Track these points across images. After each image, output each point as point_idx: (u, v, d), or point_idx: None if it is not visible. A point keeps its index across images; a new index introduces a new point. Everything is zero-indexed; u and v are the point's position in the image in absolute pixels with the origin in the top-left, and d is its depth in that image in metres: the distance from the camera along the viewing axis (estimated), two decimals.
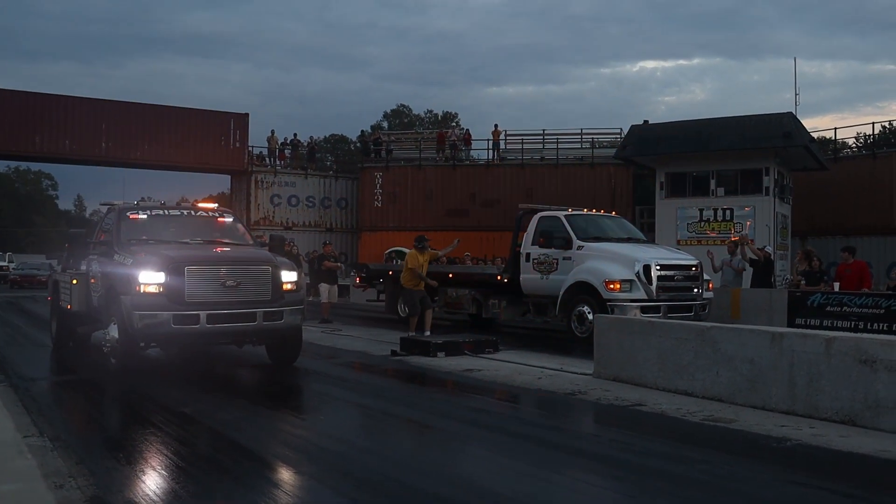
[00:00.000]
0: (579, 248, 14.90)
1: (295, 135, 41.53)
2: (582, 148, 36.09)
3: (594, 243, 15.01)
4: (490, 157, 37.46)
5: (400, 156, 39.10)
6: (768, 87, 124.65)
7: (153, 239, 11.00)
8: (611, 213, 18.56)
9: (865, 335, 8.77)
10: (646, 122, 29.29)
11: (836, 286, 15.01)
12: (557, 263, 15.17)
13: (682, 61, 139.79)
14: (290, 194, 38.14)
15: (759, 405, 7.95)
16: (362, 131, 44.93)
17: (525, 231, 16.19)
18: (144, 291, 9.67)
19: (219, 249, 11.14)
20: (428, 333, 13.92)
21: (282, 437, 7.17)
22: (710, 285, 15.56)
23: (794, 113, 25.55)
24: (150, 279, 9.70)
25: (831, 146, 32.93)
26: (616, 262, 14.32)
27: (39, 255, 52.02)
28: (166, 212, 11.95)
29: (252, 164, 37.95)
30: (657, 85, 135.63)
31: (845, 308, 14.02)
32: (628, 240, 15.88)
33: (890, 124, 37.07)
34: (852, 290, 14.45)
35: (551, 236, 15.36)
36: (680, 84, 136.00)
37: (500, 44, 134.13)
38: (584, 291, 14.34)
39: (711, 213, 25.36)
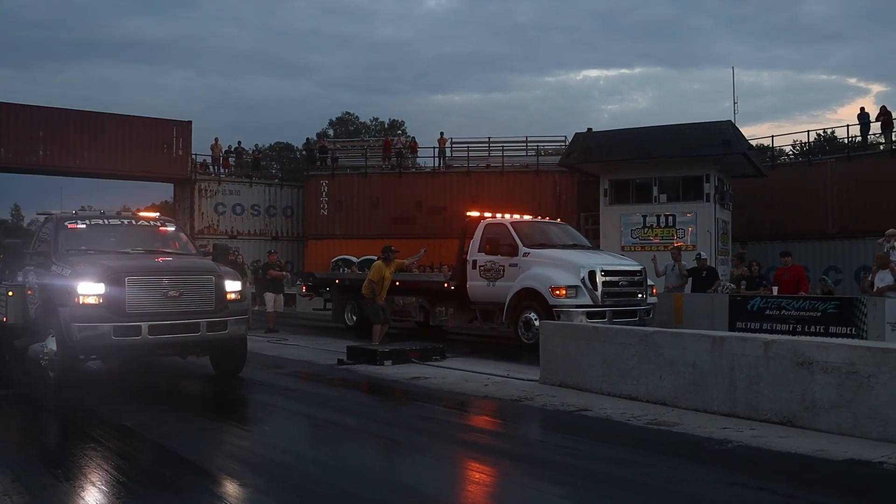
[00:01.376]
0: (525, 254, 14.95)
1: (239, 142, 41.16)
2: (527, 155, 36.40)
3: (540, 250, 15.08)
4: (436, 164, 37.55)
5: (346, 164, 38.94)
6: (708, 95, 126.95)
7: (93, 249, 10.74)
8: (556, 219, 18.73)
9: (803, 338, 9.02)
10: (589, 129, 29.70)
11: (775, 290, 15.36)
12: (504, 270, 15.21)
13: (624, 70, 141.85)
14: (234, 203, 37.71)
15: (701, 408, 8.08)
16: (308, 139, 44.83)
17: (472, 238, 16.22)
18: (83, 303, 9.46)
19: (161, 259, 10.93)
20: (376, 343, 13.84)
21: (226, 448, 7.07)
22: (654, 290, 15.77)
23: (732, 121, 26.18)
24: (90, 290, 9.48)
25: (769, 153, 33.74)
26: (561, 268, 14.41)
27: None
28: (106, 221, 11.66)
29: (196, 173, 37.42)
30: (600, 93, 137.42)
31: (784, 311, 14.35)
32: (574, 246, 15.98)
33: (824, 132, 38.14)
34: (790, 294, 14.80)
35: (497, 243, 15.40)
36: (622, 92, 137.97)
37: (446, 52, 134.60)
38: (531, 298, 14.42)
39: (654, 219, 25.79)
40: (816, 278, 21.61)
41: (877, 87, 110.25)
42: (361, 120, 73.50)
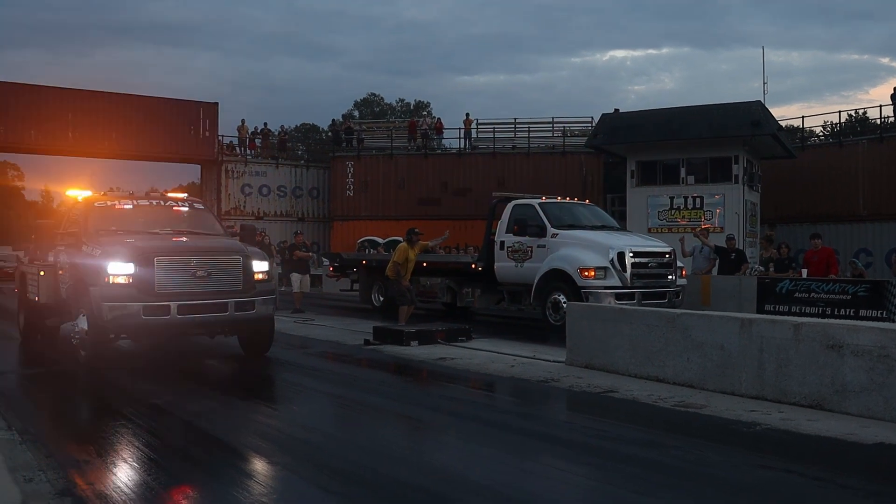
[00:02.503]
0: (553, 235, 14.85)
1: (265, 124, 41.25)
2: (553, 136, 36.23)
3: (568, 231, 14.98)
4: (462, 145, 37.47)
5: (371, 145, 38.99)
6: (736, 76, 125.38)
7: (122, 230, 10.80)
8: (584, 200, 18.55)
9: (833, 321, 8.93)
10: (616, 110, 29.44)
11: (804, 273, 15.20)
12: (532, 251, 15.12)
13: (651, 50, 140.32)
14: (261, 184, 37.90)
15: (729, 390, 8.04)
16: (333, 120, 44.76)
17: (499, 219, 16.17)
18: (114, 283, 9.51)
19: (189, 240, 10.98)
20: (402, 324, 13.89)
21: (254, 427, 7.14)
22: (684, 272, 15.64)
23: (762, 101, 25.80)
24: (120, 270, 9.55)
25: (799, 134, 33.30)
26: (590, 249, 14.30)
27: (5, 247, 51.23)
28: (135, 202, 11.71)
29: (222, 154, 37.63)
30: (627, 74, 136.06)
31: (813, 294, 14.21)
32: (602, 227, 15.85)
33: (856, 113, 37.55)
34: (820, 277, 14.64)
35: (525, 224, 15.29)
36: (649, 73, 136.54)
37: (471, 33, 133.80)
38: (559, 279, 14.32)
39: (682, 200, 25.54)
40: (846, 261, 21.37)
41: None
42: (387, 101, 73.57)
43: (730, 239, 17.41)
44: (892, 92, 29.65)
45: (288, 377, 10.36)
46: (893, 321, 12.74)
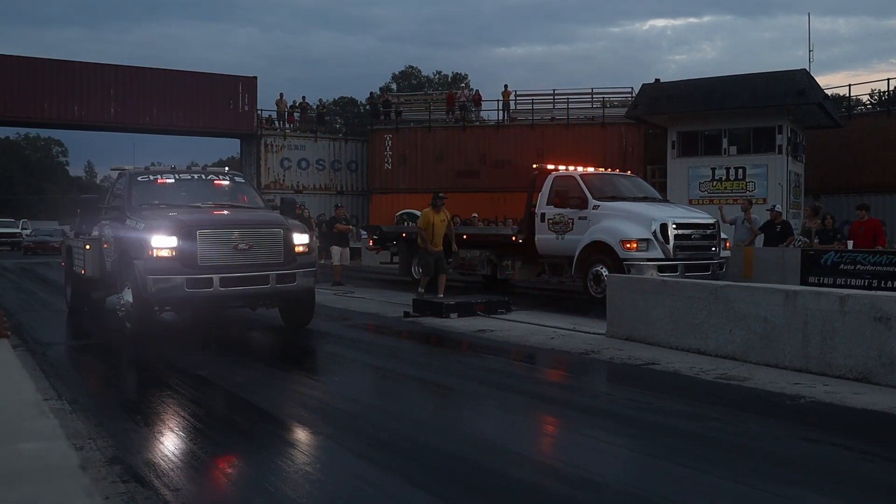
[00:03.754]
0: (595, 207, 14.73)
1: (304, 98, 41.43)
2: (593, 108, 35.81)
3: (610, 202, 14.85)
4: (500, 117, 37.24)
5: (409, 118, 38.91)
6: (780, 44, 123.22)
7: (164, 203, 10.90)
8: (625, 172, 18.37)
9: (880, 293, 8.74)
10: (657, 80, 29.00)
11: (850, 244, 14.93)
12: (573, 223, 15.02)
13: (692, 19, 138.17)
14: (300, 157, 38.11)
15: (772, 363, 7.95)
16: (371, 93, 44.73)
17: (539, 191, 16.08)
18: (157, 256, 9.64)
19: (231, 213, 11.06)
20: (441, 296, 13.96)
21: (297, 398, 7.22)
22: (727, 244, 15.45)
23: (807, 70, 25.25)
24: (163, 243, 9.66)
25: (845, 103, 32.57)
26: (632, 220, 14.18)
27: (52, 222, 52.15)
28: (177, 176, 11.80)
29: (261, 128, 37.87)
30: (667, 43, 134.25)
31: (859, 266, 13.96)
32: (644, 199, 15.71)
33: None
34: (866, 248, 14.37)
35: (567, 196, 15.16)
36: (690, 42, 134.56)
37: (509, 3, 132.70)
38: (601, 251, 14.22)
39: (724, 171, 25.19)
40: (893, 232, 20.94)
41: None
42: (425, 74, 73.40)
43: (775, 211, 17.11)
44: None
45: (329, 348, 10.45)
46: None
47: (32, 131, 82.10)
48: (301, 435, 5.91)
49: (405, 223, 29.46)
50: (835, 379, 7.29)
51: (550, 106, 36.84)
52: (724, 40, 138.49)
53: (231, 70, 54.07)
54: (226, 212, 11.09)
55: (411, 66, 74.02)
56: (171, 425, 6.13)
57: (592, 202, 14.81)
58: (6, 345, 9.63)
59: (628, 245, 13.75)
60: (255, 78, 37.64)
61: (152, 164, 13.51)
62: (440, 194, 14.74)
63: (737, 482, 4.65)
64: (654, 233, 13.76)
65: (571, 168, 16.31)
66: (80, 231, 12.98)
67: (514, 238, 16.67)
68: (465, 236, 17.65)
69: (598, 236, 14.33)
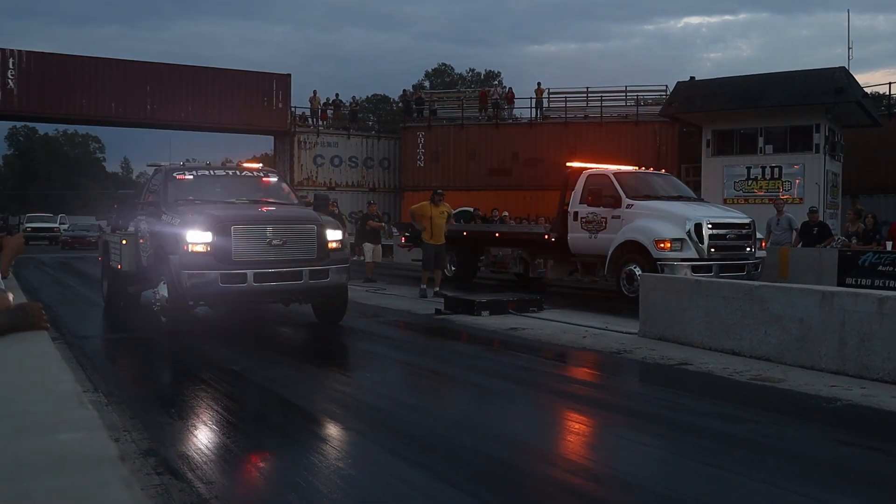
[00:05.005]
0: (629, 206, 14.60)
1: (337, 95, 41.57)
2: (626, 105, 35.55)
3: (644, 201, 14.72)
4: (533, 115, 37.12)
5: (442, 115, 38.91)
6: (818, 42, 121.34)
7: (200, 199, 10.97)
8: (659, 170, 18.26)
9: None
10: (692, 78, 28.73)
11: (889, 245, 14.70)
12: (606, 222, 14.90)
13: (727, 17, 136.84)
14: (332, 154, 38.26)
15: (807, 365, 7.85)
16: (404, 91, 44.77)
17: (573, 189, 15.95)
18: (192, 251, 9.70)
19: (264, 209, 11.21)
20: (437, 289, 14.48)
21: (329, 394, 7.27)
22: (763, 244, 15.26)
23: (846, 68, 24.88)
24: (198, 238, 9.74)
25: (885, 102, 32.03)
26: (666, 220, 14.08)
27: (89, 217, 52.92)
28: (212, 172, 11.95)
29: (294, 125, 38.09)
30: (702, 41, 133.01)
31: None
32: (678, 198, 15.57)
33: None
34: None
35: (600, 194, 15.03)
36: (726, 40, 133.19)
37: (541, 1, 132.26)
38: (634, 250, 14.12)
39: (759, 171, 24.87)
40: None
41: None
42: (457, 71, 73.38)
43: (812, 212, 16.87)
44: None
45: (361, 345, 10.51)
46: None
47: (70, 128, 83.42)
48: (333, 431, 5.95)
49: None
50: (872, 382, 7.17)
51: (584, 104, 36.62)
52: (760, 38, 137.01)
53: (265, 68, 54.69)
54: (260, 208, 11.22)
55: (444, 64, 74.12)
56: (204, 419, 6.21)
57: (626, 201, 14.65)
58: (46, 337, 9.71)
59: (662, 245, 13.61)
60: (289, 75, 37.87)
61: (187, 161, 13.68)
62: (439, 190, 15.30)
63: (770, 484, 4.60)
64: (689, 232, 13.63)
65: (605, 166, 16.24)
66: (116, 226, 13.17)
67: (546, 236, 16.59)
68: (496, 234, 17.60)
69: (631, 236, 14.22)
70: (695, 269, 13.37)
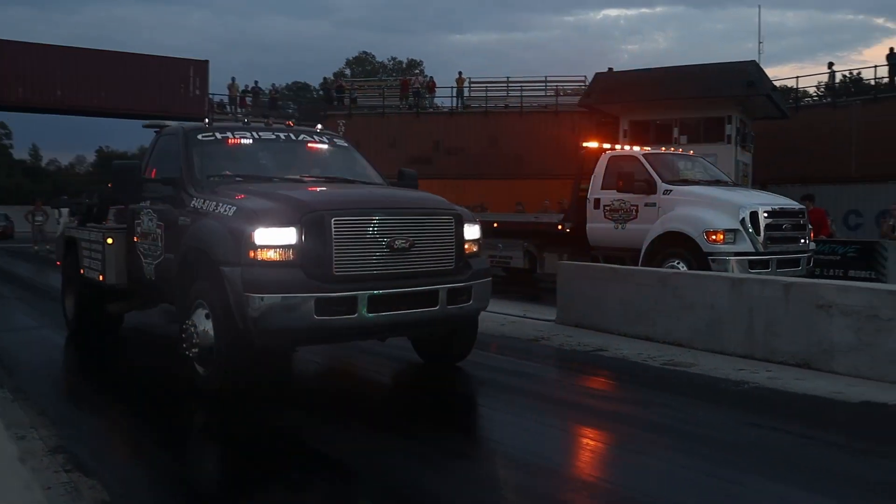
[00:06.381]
0: (666, 192, 12.72)
1: (256, 82, 40.94)
2: (546, 96, 35.95)
3: (683, 186, 12.92)
4: (454, 104, 37.21)
5: (363, 104, 38.68)
6: (730, 36, 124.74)
7: (240, 175, 7.33)
8: (688, 151, 16.11)
9: (823, 281, 8.97)
10: (610, 69, 29.25)
11: None
12: (637, 210, 13.01)
13: (644, 9, 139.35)
14: None
15: (718, 350, 8.10)
16: (325, 79, 44.37)
17: (592, 174, 14.02)
18: (262, 259, 5.93)
19: (366, 191, 7.52)
20: None
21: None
22: (812, 235, 13.69)
23: (757, 62, 25.67)
24: (274, 239, 5.95)
25: (792, 95, 33.16)
26: (716, 208, 12.18)
27: None
28: (258, 134, 7.97)
29: (213, 113, 37.31)
30: (620, 33, 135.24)
31: None
32: (717, 183, 13.85)
33: (850, 73, 37.42)
34: (811, 238, 14.65)
35: (630, 179, 13.05)
36: (643, 32, 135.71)
37: None
38: (676, 243, 12.15)
39: None
40: (837, 222, 21.42)
41: None
42: (379, 60, 73.11)
43: None
44: (888, 52, 29.52)
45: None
46: (882, 282, 12.81)
47: None
48: None
49: None
50: (778, 365, 7.45)
51: (504, 93, 36.90)
52: (676, 31, 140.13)
53: (183, 54, 53.21)
54: (360, 188, 7.63)
55: (365, 52, 73.78)
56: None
57: (662, 186, 12.80)
58: None
59: (714, 237, 11.77)
60: (207, 62, 37.06)
61: (214, 116, 9.90)
62: None
63: (684, 467, 4.74)
64: (743, 221, 11.81)
65: (627, 147, 14.74)
66: (91, 216, 9.58)
67: (559, 227, 14.94)
68: (495, 224, 15.78)
69: (674, 226, 12.27)
70: (751, 265, 11.61)
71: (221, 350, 6.10)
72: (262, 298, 5.81)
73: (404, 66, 70.25)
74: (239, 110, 38.60)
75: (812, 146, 27.89)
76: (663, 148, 16.10)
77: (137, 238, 7.90)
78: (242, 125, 8.21)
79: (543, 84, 36.80)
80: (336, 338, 6.62)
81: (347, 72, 66.56)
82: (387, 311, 6.18)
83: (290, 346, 7.43)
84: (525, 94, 35.91)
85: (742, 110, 25.09)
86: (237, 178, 7.23)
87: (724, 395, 6.55)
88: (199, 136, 7.66)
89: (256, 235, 5.92)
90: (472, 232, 6.99)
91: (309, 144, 8.33)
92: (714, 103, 24.27)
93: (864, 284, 8.92)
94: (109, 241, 8.32)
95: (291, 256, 5.97)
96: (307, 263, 5.95)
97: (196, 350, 6.32)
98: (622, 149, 14.57)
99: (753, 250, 11.78)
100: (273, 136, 8.12)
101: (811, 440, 5.41)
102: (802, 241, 12.72)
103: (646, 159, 13.43)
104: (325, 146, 8.47)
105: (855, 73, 37.05)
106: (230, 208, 6.32)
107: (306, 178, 7.56)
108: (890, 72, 29.49)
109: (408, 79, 41.67)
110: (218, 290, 6.09)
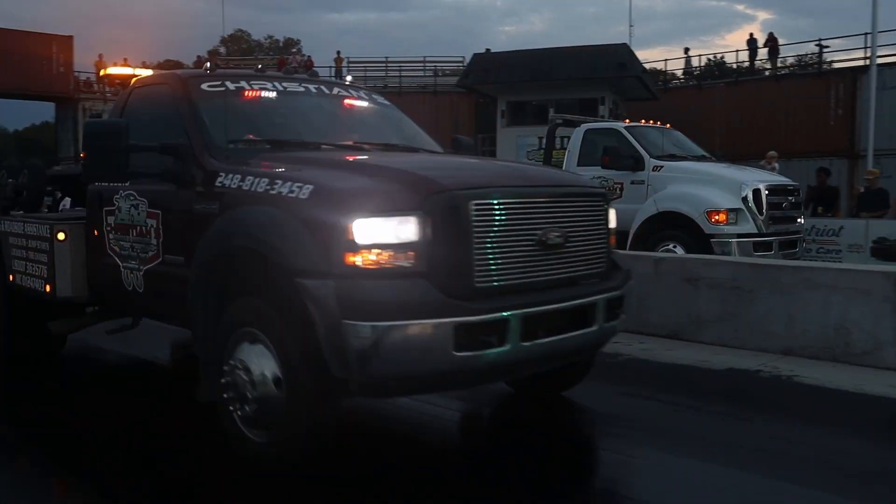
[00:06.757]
0: (656, 168, 11.80)
1: (125, 59, 39.09)
2: (425, 76, 36.09)
3: (675, 162, 11.98)
4: None
5: None
6: (603, 19, 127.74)
7: (266, 140, 5.32)
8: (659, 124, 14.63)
9: (691, 255, 9.39)
10: (487, 50, 29.63)
11: None
12: (622, 189, 11.97)
13: None
14: None
15: None
16: (198, 56, 43.08)
17: (567, 149, 12.99)
18: (368, 265, 3.89)
19: (479, 161, 6.06)
20: None
21: None
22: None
23: (628, 44, 26.51)
24: (385, 233, 3.91)
25: (661, 77, 34.43)
26: (716, 185, 11.26)
27: None
28: (280, 85, 5.82)
29: (79, 91, 35.66)
30: (497, 14, 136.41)
31: None
32: (703, 158, 12.97)
33: (714, 57, 39.11)
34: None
35: (615, 154, 12.06)
36: (520, 14, 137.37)
37: None
38: (672, 224, 11.20)
39: None
40: None
41: (763, 15, 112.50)
42: (255, 38, 71.39)
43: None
44: (749, 38, 31.07)
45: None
46: None
47: None
48: None
49: None
50: (649, 337, 7.76)
51: (383, 73, 36.81)
52: (551, 13, 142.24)
53: (44, 28, 50.57)
54: (477, 160, 6.16)
55: (241, 30, 71.79)
56: None
57: (651, 162, 11.87)
58: None
59: (717, 217, 10.82)
60: (72, 37, 35.33)
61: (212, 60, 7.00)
62: None
63: (560, 439, 4.91)
64: (745, 199, 10.94)
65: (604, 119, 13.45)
66: (32, 201, 7.32)
67: None
68: None
69: (670, 205, 11.29)
70: (755, 247, 10.81)
71: (296, 407, 4.04)
72: (372, 327, 3.76)
73: (281, 44, 68.90)
74: (107, 89, 37.08)
75: (680, 126, 28.94)
76: (641, 121, 15.00)
77: (110, 232, 5.60)
78: (256, 73, 6.17)
79: (422, 64, 36.91)
80: (479, 380, 4.61)
81: (222, 50, 64.74)
82: (544, 337, 4.26)
83: (409, 394, 4.88)
84: (403, 74, 35.90)
85: (615, 92, 25.94)
86: (266, 146, 5.21)
87: (599, 368, 6.69)
88: (205, 86, 5.42)
89: (357, 228, 3.86)
90: (613, 218, 5.11)
91: (346, 100, 6.31)
92: (588, 84, 24.98)
93: (729, 258, 9.38)
94: (61, 236, 5.93)
95: (412, 261, 3.92)
96: (433, 271, 3.94)
97: (249, 407, 4.19)
98: (600, 119, 12.89)
99: (756, 231, 10.98)
100: (301, 89, 5.97)
101: (679, 406, 5.70)
102: (799, 220, 12.12)
103: (629, 132, 12.55)
104: (367, 103, 6.48)
105: (719, 56, 38.68)
106: (302, 188, 4.10)
107: (366, 146, 5.67)
108: (750, 56, 31.02)
109: (285, 58, 41.02)
110: (290, 315, 4.02)
